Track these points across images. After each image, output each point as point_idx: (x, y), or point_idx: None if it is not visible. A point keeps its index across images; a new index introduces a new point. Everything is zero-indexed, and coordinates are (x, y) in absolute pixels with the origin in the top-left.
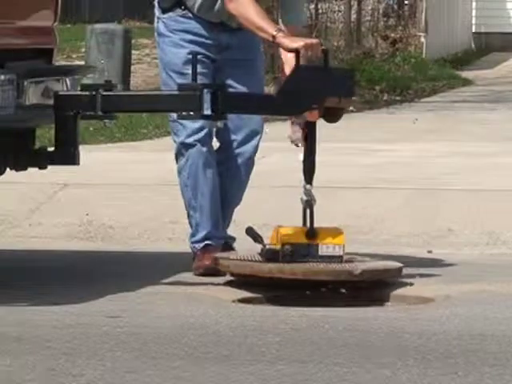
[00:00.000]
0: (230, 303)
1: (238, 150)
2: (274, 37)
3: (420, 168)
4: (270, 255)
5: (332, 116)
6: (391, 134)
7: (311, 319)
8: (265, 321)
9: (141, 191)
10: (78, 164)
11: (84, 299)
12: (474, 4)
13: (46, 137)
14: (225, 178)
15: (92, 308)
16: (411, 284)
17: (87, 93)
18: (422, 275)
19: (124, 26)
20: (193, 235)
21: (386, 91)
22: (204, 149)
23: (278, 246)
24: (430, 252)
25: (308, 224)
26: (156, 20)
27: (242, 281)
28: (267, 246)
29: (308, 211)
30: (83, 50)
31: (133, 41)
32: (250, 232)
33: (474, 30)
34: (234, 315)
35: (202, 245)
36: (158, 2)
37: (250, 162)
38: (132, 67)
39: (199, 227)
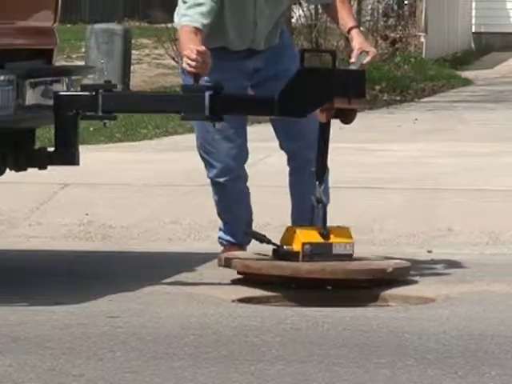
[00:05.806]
0: (229, 303)
1: (303, 156)
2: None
3: (420, 168)
4: (289, 256)
5: (345, 117)
6: (391, 133)
7: (311, 319)
8: (265, 321)
9: (141, 191)
10: (78, 164)
11: (84, 299)
12: (473, 4)
13: (46, 137)
14: (298, 185)
15: (92, 308)
16: (411, 284)
17: (88, 93)
18: (422, 275)
19: (124, 26)
20: (222, 233)
21: (386, 91)
22: (236, 185)
23: (294, 247)
24: (429, 252)
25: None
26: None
27: (240, 281)
28: (285, 247)
29: (321, 211)
30: (83, 50)
31: (133, 41)
32: (254, 234)
33: (473, 30)
34: (234, 315)
35: (226, 243)
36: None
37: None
38: (132, 67)
39: (226, 234)
